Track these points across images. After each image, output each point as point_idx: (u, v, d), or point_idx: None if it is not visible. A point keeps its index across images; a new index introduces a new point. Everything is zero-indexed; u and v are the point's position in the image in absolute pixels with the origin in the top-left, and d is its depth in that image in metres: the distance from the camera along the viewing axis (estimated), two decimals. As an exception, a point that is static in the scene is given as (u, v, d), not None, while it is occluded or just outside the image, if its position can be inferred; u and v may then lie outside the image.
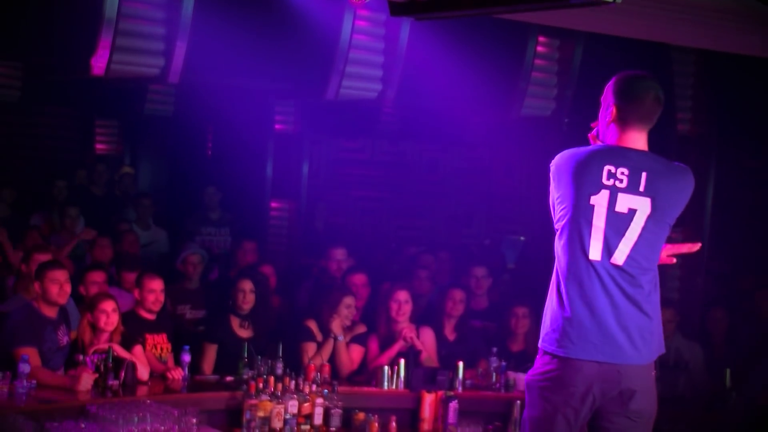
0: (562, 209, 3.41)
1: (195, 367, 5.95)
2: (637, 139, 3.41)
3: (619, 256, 3.35)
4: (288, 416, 5.48)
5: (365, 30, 8.12)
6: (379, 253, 9.08)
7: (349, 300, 6.13)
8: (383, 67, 8.26)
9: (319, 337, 6.14)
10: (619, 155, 3.38)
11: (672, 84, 8.50)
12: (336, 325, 6.07)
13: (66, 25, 7.21)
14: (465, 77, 8.40)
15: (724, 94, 8.17)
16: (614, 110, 3.40)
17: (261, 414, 5.42)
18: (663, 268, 3.54)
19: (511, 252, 9.73)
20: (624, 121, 3.39)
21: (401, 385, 5.95)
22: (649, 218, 3.35)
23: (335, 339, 6.07)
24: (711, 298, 8.10)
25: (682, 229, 8.43)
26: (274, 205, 10.00)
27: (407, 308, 6.21)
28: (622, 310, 3.37)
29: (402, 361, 5.97)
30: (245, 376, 5.62)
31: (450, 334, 6.47)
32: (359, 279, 6.80)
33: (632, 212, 3.34)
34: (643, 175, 3.34)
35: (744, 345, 6.94)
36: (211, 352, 6.07)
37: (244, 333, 6.14)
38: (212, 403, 5.54)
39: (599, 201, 3.34)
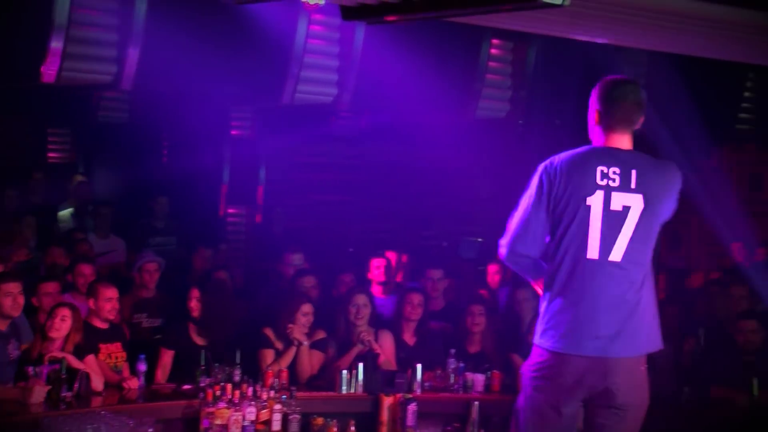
0: (559, 211, 3.52)
1: (152, 377, 5.90)
2: (621, 140, 3.58)
3: (617, 253, 3.49)
4: (246, 423, 5.44)
5: (320, 35, 8.13)
6: (337, 257, 9.06)
7: (306, 308, 6.11)
8: (338, 71, 8.27)
9: (278, 344, 6.11)
10: (610, 155, 3.54)
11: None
12: (298, 333, 6.05)
13: (15, 32, 7.12)
14: (421, 80, 8.44)
15: (673, 95, 8.29)
16: (596, 114, 3.59)
17: (218, 422, 5.38)
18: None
19: (470, 253, 9.77)
20: (606, 123, 3.57)
21: (360, 389, 5.94)
22: (643, 214, 3.51)
23: (299, 345, 6.05)
24: (665, 294, 8.20)
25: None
26: (231, 210, 9.96)
27: (365, 312, 6.21)
28: (613, 306, 3.50)
29: (360, 365, 5.97)
30: (202, 384, 5.59)
31: (410, 339, 6.47)
32: (309, 281, 6.79)
33: (626, 209, 3.50)
34: (633, 172, 3.51)
35: (695, 340, 7.03)
36: (166, 358, 6.02)
37: (201, 340, 6.10)
38: (169, 412, 5.48)
39: (595, 201, 3.50)
